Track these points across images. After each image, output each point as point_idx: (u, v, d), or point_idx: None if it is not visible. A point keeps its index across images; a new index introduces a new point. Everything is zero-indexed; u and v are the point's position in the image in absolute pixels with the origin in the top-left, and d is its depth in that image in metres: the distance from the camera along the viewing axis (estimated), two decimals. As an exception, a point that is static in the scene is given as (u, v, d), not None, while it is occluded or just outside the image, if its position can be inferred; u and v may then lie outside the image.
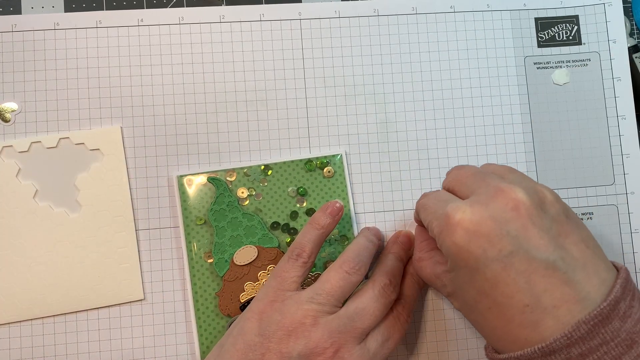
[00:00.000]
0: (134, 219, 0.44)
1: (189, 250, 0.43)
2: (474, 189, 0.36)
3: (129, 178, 0.44)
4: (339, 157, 0.45)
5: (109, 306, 0.43)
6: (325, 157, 0.45)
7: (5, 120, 0.44)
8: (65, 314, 0.43)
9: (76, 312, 0.43)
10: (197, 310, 0.43)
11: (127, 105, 0.45)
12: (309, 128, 0.46)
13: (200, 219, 0.43)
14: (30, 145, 0.44)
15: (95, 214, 0.43)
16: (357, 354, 0.36)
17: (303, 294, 0.38)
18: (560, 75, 0.47)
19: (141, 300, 0.43)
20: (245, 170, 0.44)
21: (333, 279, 0.38)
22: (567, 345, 0.31)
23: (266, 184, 0.44)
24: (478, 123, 0.46)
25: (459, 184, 0.38)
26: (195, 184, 0.44)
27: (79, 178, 0.44)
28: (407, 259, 0.43)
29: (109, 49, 0.45)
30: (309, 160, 0.45)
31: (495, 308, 0.33)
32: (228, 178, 0.44)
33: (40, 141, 0.44)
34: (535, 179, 0.46)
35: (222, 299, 0.43)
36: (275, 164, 0.44)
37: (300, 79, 0.46)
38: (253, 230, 0.44)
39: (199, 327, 0.43)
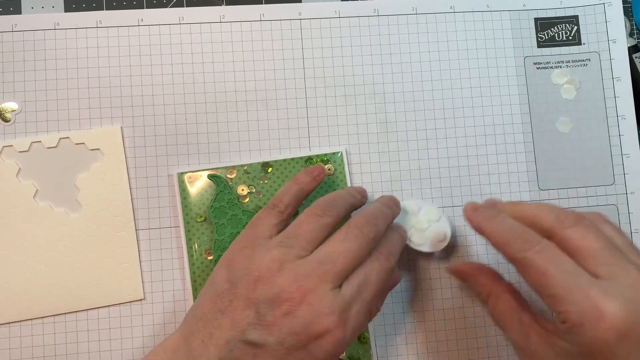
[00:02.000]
0: (134, 219, 0.44)
1: (189, 247, 0.43)
2: (611, 271, 0.32)
3: (129, 178, 0.44)
4: (339, 154, 0.45)
5: (109, 306, 0.43)
6: (326, 154, 0.45)
7: (5, 120, 0.44)
8: (65, 313, 0.43)
9: (76, 312, 0.43)
10: (197, 310, 0.43)
11: (127, 105, 0.45)
12: (309, 128, 0.46)
13: (201, 216, 0.43)
14: (30, 145, 0.44)
15: (95, 214, 0.43)
16: (329, 300, 0.33)
17: (273, 240, 0.36)
18: (559, 75, 0.47)
19: (141, 300, 0.43)
20: (245, 167, 0.44)
21: (303, 222, 0.36)
22: None
23: (266, 181, 0.44)
24: (478, 123, 0.46)
25: (585, 254, 0.33)
26: (196, 181, 0.44)
27: (79, 178, 0.44)
28: (395, 208, 0.41)
29: (109, 49, 0.45)
30: (309, 158, 0.45)
31: None
32: (228, 175, 0.44)
33: (40, 141, 0.44)
34: (535, 179, 0.46)
35: (222, 299, 0.42)
36: (276, 161, 0.44)
37: (300, 79, 0.46)
38: (253, 229, 0.43)
39: (199, 327, 0.43)
